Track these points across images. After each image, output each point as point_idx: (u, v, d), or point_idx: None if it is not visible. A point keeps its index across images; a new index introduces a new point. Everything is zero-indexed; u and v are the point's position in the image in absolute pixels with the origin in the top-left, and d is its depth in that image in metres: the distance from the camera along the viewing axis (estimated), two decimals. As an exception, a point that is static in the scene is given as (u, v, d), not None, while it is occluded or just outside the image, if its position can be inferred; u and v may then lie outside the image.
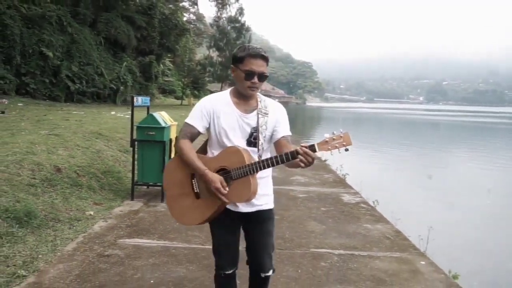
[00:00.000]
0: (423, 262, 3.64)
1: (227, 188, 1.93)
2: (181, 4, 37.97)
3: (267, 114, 2.03)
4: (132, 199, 5.26)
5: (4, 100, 11.78)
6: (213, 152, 2.08)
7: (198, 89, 40.65)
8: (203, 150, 2.17)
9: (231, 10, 41.53)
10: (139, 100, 5.50)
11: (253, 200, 2.02)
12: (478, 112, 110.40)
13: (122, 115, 11.96)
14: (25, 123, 7.94)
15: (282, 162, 1.87)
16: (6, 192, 4.04)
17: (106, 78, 22.85)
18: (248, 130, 2.02)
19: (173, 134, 5.72)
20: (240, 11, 41.10)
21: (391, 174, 12.75)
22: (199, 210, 2.04)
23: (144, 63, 29.02)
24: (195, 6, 44.88)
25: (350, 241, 4.14)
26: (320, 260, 3.60)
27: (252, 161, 1.93)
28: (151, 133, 5.22)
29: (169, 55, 36.15)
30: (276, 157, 1.88)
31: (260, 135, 2.00)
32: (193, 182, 2.06)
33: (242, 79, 1.96)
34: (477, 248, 6.16)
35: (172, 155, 5.78)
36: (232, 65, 2.03)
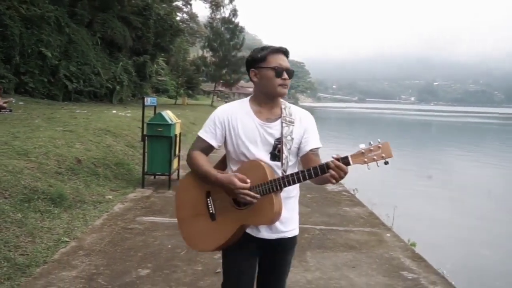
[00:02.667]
0: (388, 234, 4.46)
1: (248, 180, 1.66)
2: (174, 4, 38.53)
3: (292, 122, 1.78)
4: (142, 187, 6.01)
5: (11, 99, 12.39)
6: (232, 168, 1.82)
7: (192, 89, 41.40)
8: (221, 165, 1.93)
9: (225, 12, 42.27)
10: (148, 100, 6.28)
11: (278, 225, 1.76)
12: (468, 113, 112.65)
13: (123, 114, 12.62)
14: (38, 121, 8.62)
15: (310, 177, 1.63)
16: (40, 178, 4.76)
17: (102, 77, 23.42)
18: (272, 141, 1.75)
19: (177, 131, 6.48)
20: (234, 12, 41.83)
21: (373, 167, 13.66)
22: (214, 234, 1.77)
23: (138, 63, 29.57)
24: (188, 6, 45.48)
25: (330, 220, 4.94)
26: (304, 233, 4.38)
27: (276, 177, 1.68)
28: (159, 129, 5.98)
29: (163, 54, 36.76)
30: (303, 171, 1.64)
31: (284, 147, 1.73)
32: (208, 202, 1.80)
33: (272, 77, 1.72)
34: (441, 226, 7.38)
35: (177, 150, 6.55)
36: (252, 69, 1.78)
